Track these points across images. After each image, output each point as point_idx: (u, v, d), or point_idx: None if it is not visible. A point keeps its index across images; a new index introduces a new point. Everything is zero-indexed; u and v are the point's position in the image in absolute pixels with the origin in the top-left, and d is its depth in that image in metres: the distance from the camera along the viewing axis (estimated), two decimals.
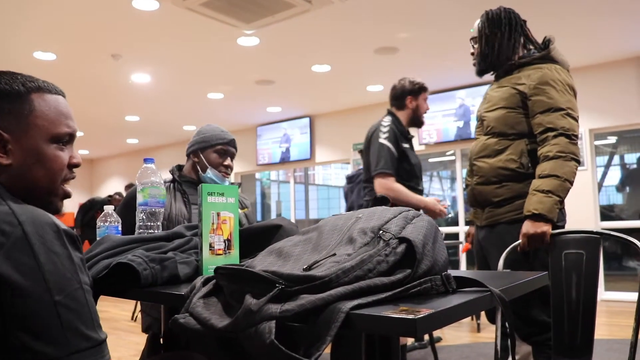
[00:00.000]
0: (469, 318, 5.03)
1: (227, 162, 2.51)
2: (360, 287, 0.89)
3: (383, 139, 3.15)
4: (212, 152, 2.48)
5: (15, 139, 1.08)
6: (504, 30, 2.41)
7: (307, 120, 8.84)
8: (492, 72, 2.52)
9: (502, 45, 2.41)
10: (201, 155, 2.48)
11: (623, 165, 8.43)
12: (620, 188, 8.16)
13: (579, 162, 2.21)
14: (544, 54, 2.37)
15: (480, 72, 2.52)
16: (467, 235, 2.80)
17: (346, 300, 0.85)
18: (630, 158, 8.29)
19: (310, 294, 0.86)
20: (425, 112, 3.38)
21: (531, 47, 2.45)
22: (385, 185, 3.09)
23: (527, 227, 2.15)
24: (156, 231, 1.70)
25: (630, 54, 6.10)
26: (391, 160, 3.11)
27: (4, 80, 1.09)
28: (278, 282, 0.87)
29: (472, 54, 2.53)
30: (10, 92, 1.09)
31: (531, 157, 2.29)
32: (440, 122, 7.53)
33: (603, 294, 6.19)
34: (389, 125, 3.21)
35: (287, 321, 0.83)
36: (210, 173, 2.45)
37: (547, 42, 2.42)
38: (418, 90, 3.32)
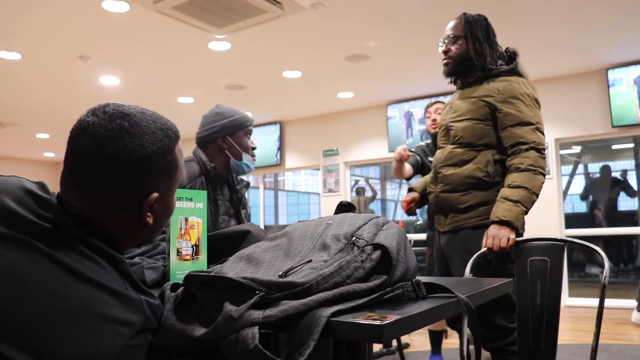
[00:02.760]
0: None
1: (254, 144, 2.36)
2: (341, 293, 0.90)
3: None
4: (243, 134, 2.31)
5: (162, 197, 1.00)
6: (486, 38, 2.40)
7: (277, 126, 8.82)
8: (455, 78, 2.48)
9: (483, 53, 2.38)
10: (231, 140, 2.29)
11: (587, 174, 8.63)
12: (584, 196, 8.35)
13: (545, 175, 2.28)
14: (512, 67, 2.39)
15: (450, 73, 2.46)
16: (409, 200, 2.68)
17: (325, 307, 0.85)
18: (594, 167, 8.49)
19: (291, 300, 0.85)
20: None
21: (500, 60, 2.44)
22: None
23: (493, 229, 2.19)
24: None
25: (593, 67, 6.27)
26: None
27: (157, 135, 0.98)
28: (258, 289, 0.86)
29: (446, 52, 2.44)
30: (163, 151, 0.99)
31: (497, 166, 2.33)
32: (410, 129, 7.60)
33: (567, 300, 6.31)
34: None
35: (268, 328, 0.82)
36: (245, 159, 2.30)
37: (512, 55, 2.44)
38: None
